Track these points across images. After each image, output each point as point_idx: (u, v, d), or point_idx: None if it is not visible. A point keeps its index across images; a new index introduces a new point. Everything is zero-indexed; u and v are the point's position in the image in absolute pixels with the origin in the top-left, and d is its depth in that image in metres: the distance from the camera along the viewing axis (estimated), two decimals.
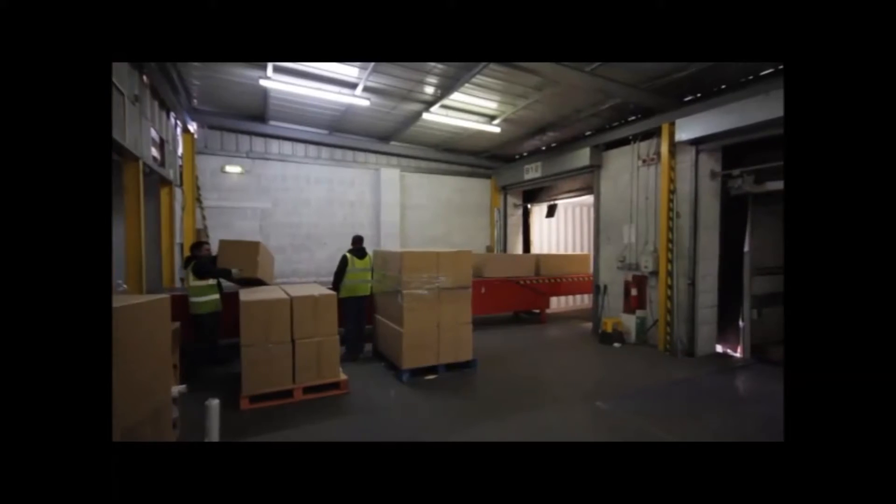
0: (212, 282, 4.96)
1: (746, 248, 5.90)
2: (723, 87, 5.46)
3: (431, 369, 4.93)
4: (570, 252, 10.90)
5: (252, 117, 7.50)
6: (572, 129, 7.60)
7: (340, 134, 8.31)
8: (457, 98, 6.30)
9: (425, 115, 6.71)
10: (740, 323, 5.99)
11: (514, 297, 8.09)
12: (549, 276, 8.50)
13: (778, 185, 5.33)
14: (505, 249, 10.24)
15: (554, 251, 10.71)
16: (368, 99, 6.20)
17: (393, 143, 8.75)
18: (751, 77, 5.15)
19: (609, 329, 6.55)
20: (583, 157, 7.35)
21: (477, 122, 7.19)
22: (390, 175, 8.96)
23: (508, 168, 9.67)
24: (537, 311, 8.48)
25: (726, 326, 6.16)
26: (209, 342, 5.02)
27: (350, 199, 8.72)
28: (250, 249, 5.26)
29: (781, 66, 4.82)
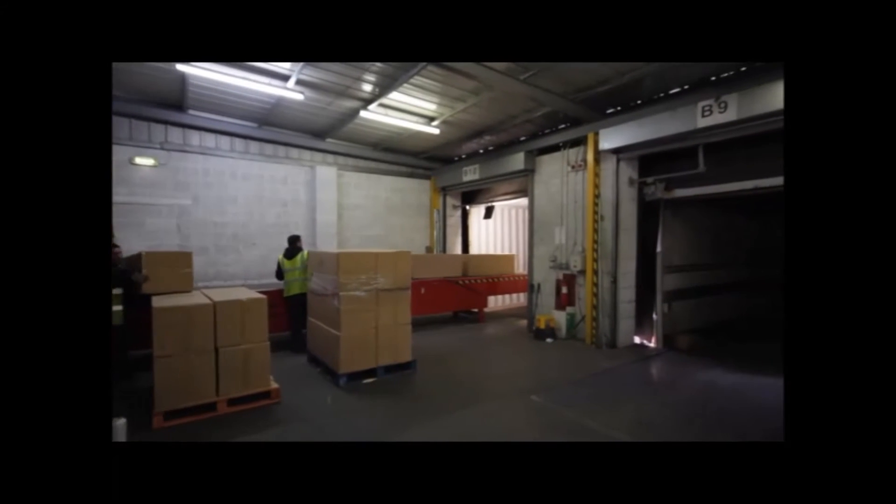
0: (117, 291, 4.41)
1: (659, 249, 6.55)
2: (639, 102, 6.01)
3: (370, 372, 4.83)
4: (507, 252, 11.32)
5: (167, 105, 6.80)
6: (508, 133, 7.90)
7: (271, 128, 7.85)
8: (396, 97, 6.25)
9: (363, 113, 6.57)
10: (654, 316, 6.64)
11: (453, 297, 8.22)
12: (486, 276, 8.74)
13: (685, 192, 5.99)
14: (444, 250, 10.36)
15: (492, 251, 11.04)
16: (302, 93, 5.92)
17: (329, 140, 8.44)
18: (661, 94, 5.73)
19: (542, 325, 6.90)
20: (518, 161, 7.67)
21: (416, 122, 7.19)
22: (327, 173, 8.64)
23: (448, 169, 9.80)
24: (476, 310, 8.69)
25: (643, 319, 6.78)
26: (114, 359, 4.46)
27: (283, 197, 8.26)
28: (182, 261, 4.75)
29: (687, 87, 5.43)
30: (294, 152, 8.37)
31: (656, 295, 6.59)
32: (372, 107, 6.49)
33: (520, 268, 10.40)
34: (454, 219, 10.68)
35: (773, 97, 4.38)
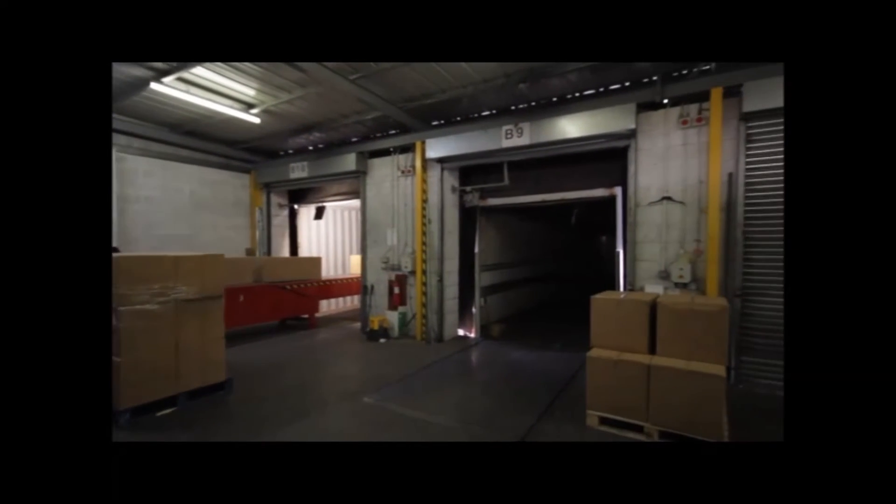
0: None
1: (477, 250, 7.45)
2: (458, 118, 6.72)
3: (169, 401, 3.98)
4: (340, 254, 11.04)
5: None
6: (339, 132, 7.71)
7: None
8: (203, 74, 5.34)
9: (155, 86, 5.38)
10: (473, 310, 7.52)
11: (280, 303, 7.52)
12: (315, 280, 8.32)
13: (495, 201, 6.99)
14: (269, 252, 9.39)
15: (324, 254, 10.58)
16: None
17: None
18: (476, 115, 6.54)
19: (375, 326, 6.98)
20: (349, 161, 7.56)
21: (231, 107, 6.30)
22: None
23: (272, 165, 8.92)
24: (306, 316, 8.16)
25: (464, 313, 7.60)
26: None
27: None
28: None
29: (495, 111, 6.34)
30: None
31: (475, 291, 7.48)
32: (168, 79, 5.37)
33: (334, 271, 10.30)
34: (280, 219, 9.81)
35: (555, 128, 5.53)
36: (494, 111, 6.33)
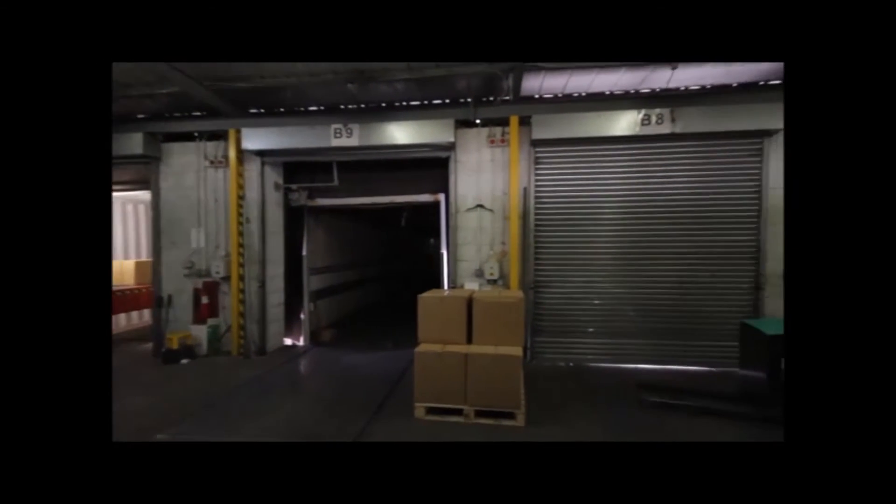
0: None
1: (305, 252, 6.99)
2: (281, 110, 6.17)
3: None
4: (128, 259, 8.71)
5: None
6: (119, 105, 6.07)
7: None
8: None
9: None
10: (302, 316, 7.03)
11: None
12: None
13: (325, 201, 6.68)
14: None
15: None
16: None
17: None
18: (302, 109, 6.14)
19: (175, 345, 5.78)
20: (134, 143, 6.06)
21: None
22: None
23: None
24: None
25: (292, 320, 7.03)
26: None
27: None
28: None
29: (323, 107, 6.07)
30: None
31: (304, 296, 7.00)
32: None
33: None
34: None
35: (384, 133, 5.66)
36: (323, 108, 6.06)
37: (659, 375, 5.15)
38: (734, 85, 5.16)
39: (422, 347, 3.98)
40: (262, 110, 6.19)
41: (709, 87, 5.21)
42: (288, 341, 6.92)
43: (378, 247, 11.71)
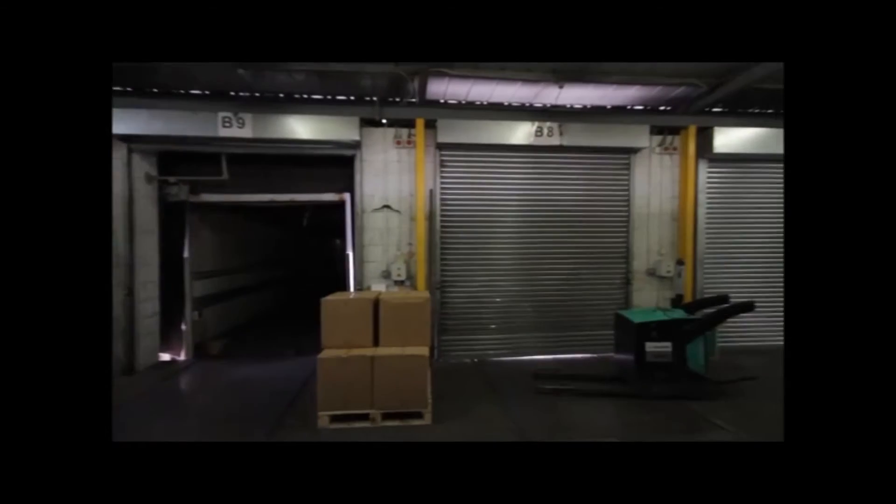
0: None
1: (187, 255, 6.16)
2: (154, 90, 5.35)
3: None
4: None
5: None
6: None
7: None
8: None
9: None
10: (183, 327, 6.18)
11: None
12: None
13: (212, 197, 5.96)
14: None
15: None
16: None
17: None
18: (181, 91, 5.40)
19: None
20: None
21: None
22: None
23: None
24: None
25: (171, 332, 6.14)
26: None
27: None
28: None
29: (209, 92, 5.43)
30: None
31: (185, 304, 6.16)
32: None
33: None
34: None
35: (283, 126, 5.27)
36: (208, 92, 5.41)
37: (551, 365, 5.68)
38: (608, 107, 5.94)
39: (325, 353, 3.80)
40: (130, 89, 5.30)
41: (589, 106, 5.92)
42: (165, 356, 6.03)
43: (281, 247, 10.88)
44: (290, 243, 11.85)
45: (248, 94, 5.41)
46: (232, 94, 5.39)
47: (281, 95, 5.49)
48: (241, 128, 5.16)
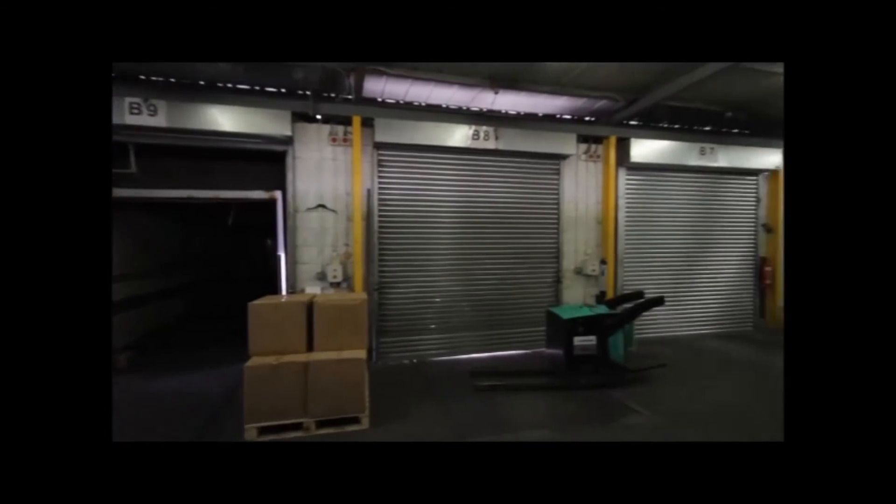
0: None
1: None
2: None
3: None
4: None
5: None
6: None
7: None
8: None
9: None
10: None
11: None
12: None
13: (119, 192, 5.30)
14: None
15: None
16: None
17: None
18: None
19: None
20: None
21: None
22: None
23: None
24: None
25: None
26: None
27: None
28: None
29: (114, 74, 4.83)
30: None
31: None
32: None
33: None
34: None
35: (203, 117, 4.84)
36: (114, 74, 4.82)
37: (488, 362, 5.84)
38: (540, 115, 6.26)
39: (253, 361, 3.55)
40: None
41: (522, 113, 6.19)
42: None
43: (203, 248, 9.98)
44: (217, 243, 10.94)
45: (161, 78, 4.90)
46: (142, 77, 4.85)
47: (202, 83, 5.05)
48: (152, 115, 4.66)
